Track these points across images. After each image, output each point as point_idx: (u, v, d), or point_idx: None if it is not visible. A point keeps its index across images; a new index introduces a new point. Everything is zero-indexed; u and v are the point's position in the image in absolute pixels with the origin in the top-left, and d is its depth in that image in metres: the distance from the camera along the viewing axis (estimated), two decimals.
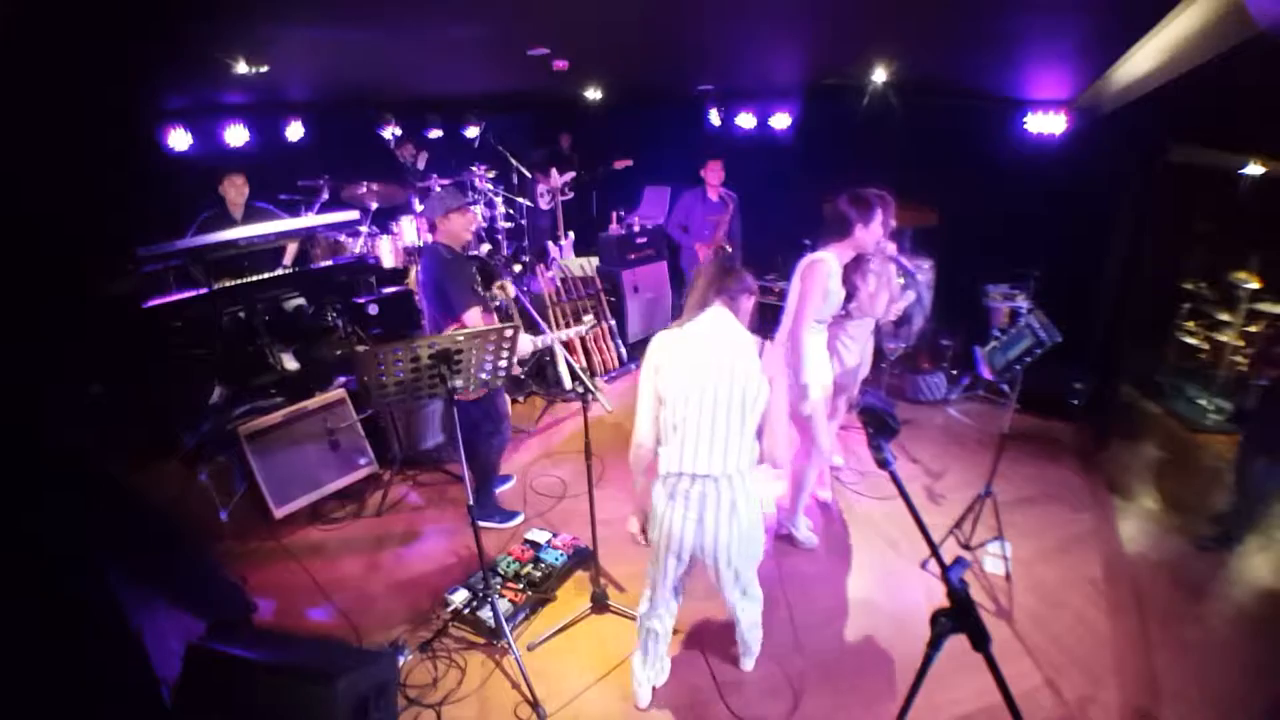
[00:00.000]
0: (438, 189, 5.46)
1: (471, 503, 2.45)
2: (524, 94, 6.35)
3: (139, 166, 4.40)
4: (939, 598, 1.18)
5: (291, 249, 4.64)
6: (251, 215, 4.49)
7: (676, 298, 5.92)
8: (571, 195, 6.81)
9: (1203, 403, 4.70)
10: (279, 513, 3.45)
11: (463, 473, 2.42)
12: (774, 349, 1.99)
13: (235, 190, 4.44)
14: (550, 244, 6.35)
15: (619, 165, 6.78)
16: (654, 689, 2.41)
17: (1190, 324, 5.06)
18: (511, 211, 6.03)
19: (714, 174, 5.29)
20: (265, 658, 2.06)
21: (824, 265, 2.85)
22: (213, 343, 4.13)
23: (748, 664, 2.52)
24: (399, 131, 5.58)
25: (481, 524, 3.22)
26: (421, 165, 5.71)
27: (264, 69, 3.27)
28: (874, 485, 3.79)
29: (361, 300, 4.61)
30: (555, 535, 3.31)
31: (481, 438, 3.29)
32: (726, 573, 2.09)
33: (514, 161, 6.15)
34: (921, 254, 5.19)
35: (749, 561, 2.13)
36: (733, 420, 1.91)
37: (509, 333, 2.43)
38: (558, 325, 5.19)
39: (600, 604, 2.82)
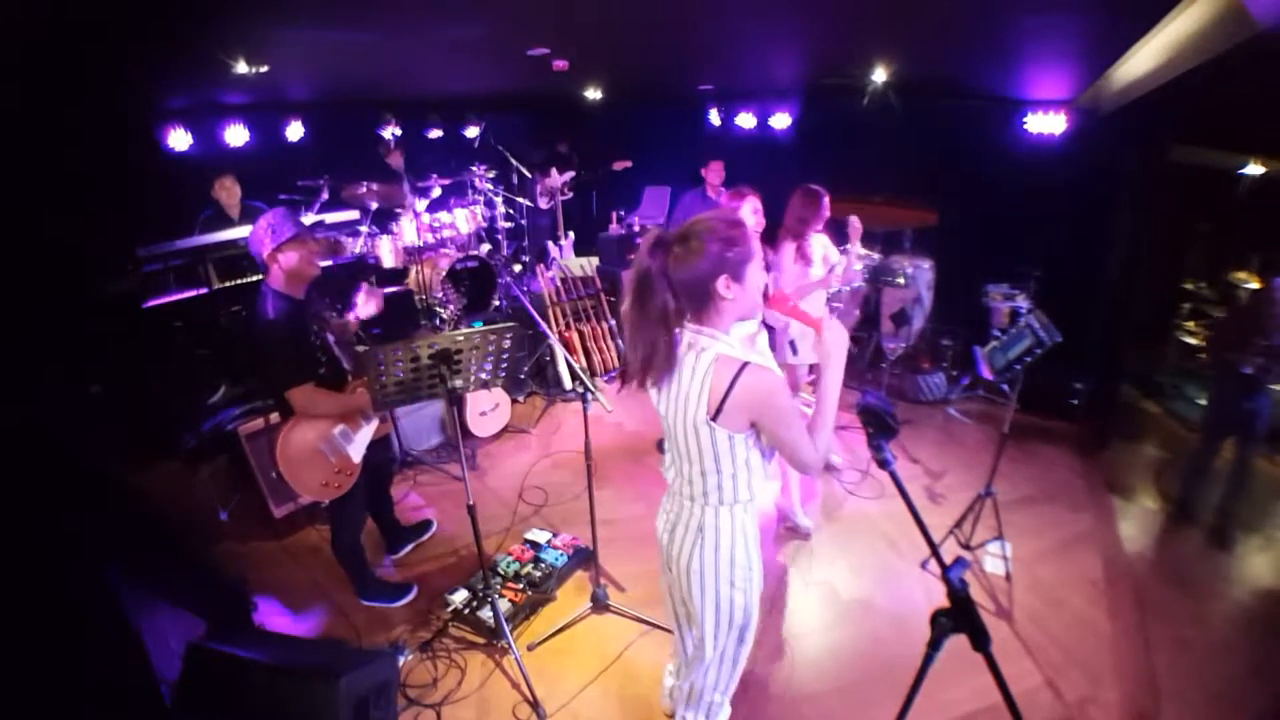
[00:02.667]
0: (436, 191, 5.46)
1: (471, 503, 2.45)
2: (524, 94, 6.35)
3: (139, 166, 4.41)
4: (939, 598, 1.18)
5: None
6: (249, 215, 4.50)
7: None
8: (571, 195, 6.81)
9: (1202, 403, 4.70)
10: (279, 513, 3.45)
11: (463, 473, 2.42)
12: (754, 376, 1.51)
13: (226, 193, 4.45)
14: (550, 244, 6.35)
15: (619, 166, 6.77)
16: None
17: (1190, 324, 5.07)
18: (511, 211, 6.03)
19: (715, 174, 5.29)
20: (265, 657, 2.06)
21: None
22: (213, 343, 4.14)
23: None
24: (399, 131, 5.57)
25: (365, 602, 2.92)
26: (397, 165, 5.65)
27: (264, 69, 3.27)
28: (874, 485, 3.79)
29: None
30: (555, 535, 3.31)
31: (345, 515, 2.79)
32: (683, 593, 1.79)
33: (514, 161, 6.14)
34: (921, 254, 5.20)
35: (708, 597, 1.73)
36: (691, 455, 1.64)
37: (509, 333, 2.43)
38: (557, 325, 5.20)
39: (600, 604, 2.82)
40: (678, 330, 1.60)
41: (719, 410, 1.51)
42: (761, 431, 1.58)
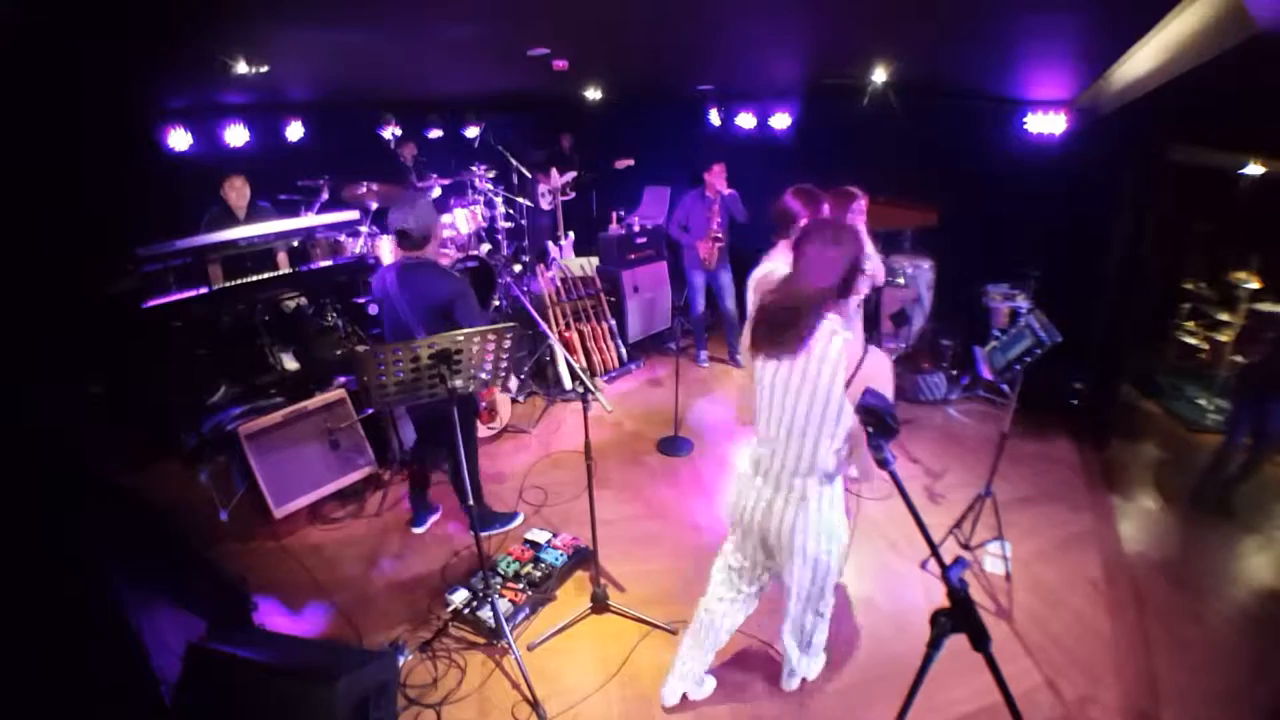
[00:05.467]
0: (436, 191, 5.47)
1: (470, 502, 2.45)
2: (524, 94, 6.36)
3: (139, 166, 4.41)
4: (939, 598, 1.18)
5: (283, 258, 4.53)
6: (255, 214, 4.50)
7: (676, 298, 5.91)
8: (572, 195, 6.81)
9: (1203, 403, 4.71)
10: (279, 513, 3.45)
11: (462, 473, 2.42)
12: (877, 359, 1.79)
13: (236, 193, 4.45)
14: (550, 244, 6.36)
15: (620, 165, 6.77)
16: (683, 696, 2.39)
17: (1190, 324, 5.07)
18: (511, 211, 6.03)
19: (717, 177, 5.27)
20: (265, 657, 2.06)
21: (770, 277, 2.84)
22: (213, 343, 4.14)
23: (788, 683, 2.42)
24: (399, 131, 5.58)
25: (485, 534, 3.22)
26: (409, 161, 5.68)
27: (264, 69, 3.27)
28: (874, 485, 3.78)
29: (361, 300, 4.60)
30: (555, 535, 3.31)
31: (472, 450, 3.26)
32: (794, 566, 1.98)
33: (514, 161, 6.15)
34: (921, 254, 5.19)
35: (809, 560, 1.96)
36: (809, 427, 1.85)
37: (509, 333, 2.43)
38: (557, 325, 5.20)
39: (600, 604, 2.82)
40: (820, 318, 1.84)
41: (849, 383, 1.77)
42: None
